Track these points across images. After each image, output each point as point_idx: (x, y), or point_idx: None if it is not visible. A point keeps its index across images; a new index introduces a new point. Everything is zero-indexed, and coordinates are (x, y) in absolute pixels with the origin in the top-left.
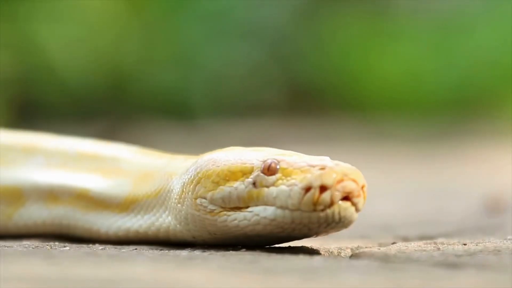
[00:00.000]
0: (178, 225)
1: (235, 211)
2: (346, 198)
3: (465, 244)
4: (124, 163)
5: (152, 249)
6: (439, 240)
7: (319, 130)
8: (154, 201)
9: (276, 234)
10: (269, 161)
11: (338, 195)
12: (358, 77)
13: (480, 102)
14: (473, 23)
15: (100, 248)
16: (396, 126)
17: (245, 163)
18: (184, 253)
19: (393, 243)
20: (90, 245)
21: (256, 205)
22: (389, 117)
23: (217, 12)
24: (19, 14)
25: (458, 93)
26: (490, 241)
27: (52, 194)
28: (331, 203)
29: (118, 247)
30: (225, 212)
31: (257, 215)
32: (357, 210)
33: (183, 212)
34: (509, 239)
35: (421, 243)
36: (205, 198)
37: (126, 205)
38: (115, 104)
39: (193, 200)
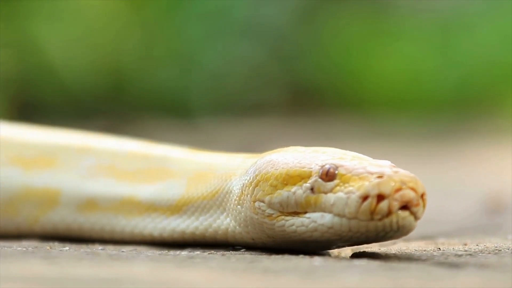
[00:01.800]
0: (237, 227)
1: (293, 216)
2: (405, 206)
3: (465, 244)
4: (177, 163)
5: (151, 249)
6: (440, 240)
7: (319, 129)
8: (211, 202)
9: (333, 241)
10: (327, 166)
11: (396, 204)
12: (358, 76)
13: (481, 101)
14: (473, 22)
15: (100, 248)
16: (396, 125)
17: (303, 167)
18: (184, 253)
19: (393, 243)
20: (90, 245)
21: (314, 211)
22: (389, 116)
23: (218, 11)
24: (18, 13)
25: (458, 92)
26: (490, 241)
27: (90, 202)
28: (389, 213)
29: (118, 247)
30: (283, 217)
31: (315, 221)
32: (416, 218)
33: (242, 214)
34: (509, 239)
35: (421, 243)
36: (263, 201)
37: (178, 207)
38: (114, 103)
39: (252, 203)
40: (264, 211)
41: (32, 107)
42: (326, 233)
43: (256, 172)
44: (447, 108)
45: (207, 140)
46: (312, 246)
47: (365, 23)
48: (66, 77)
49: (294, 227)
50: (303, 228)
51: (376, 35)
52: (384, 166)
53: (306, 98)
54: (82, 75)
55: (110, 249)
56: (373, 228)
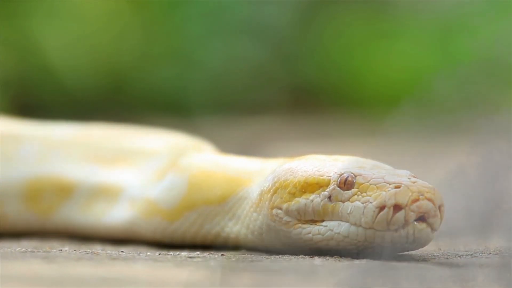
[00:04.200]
0: (249, 235)
1: (310, 224)
2: (422, 217)
3: (466, 244)
4: (191, 160)
5: (151, 249)
6: (440, 240)
7: (320, 129)
8: (218, 208)
9: (348, 250)
10: (345, 175)
11: (412, 215)
12: (359, 76)
13: (481, 101)
14: (473, 22)
15: (99, 248)
16: (397, 124)
17: (322, 175)
18: (184, 253)
19: None
20: (89, 245)
21: (331, 220)
22: (390, 115)
23: (218, 10)
24: (18, 12)
25: (458, 92)
26: (491, 241)
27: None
28: (405, 223)
29: (118, 247)
30: (300, 225)
31: (331, 230)
32: (433, 230)
33: (258, 221)
34: (510, 239)
35: None
36: (281, 209)
37: (179, 212)
38: (114, 103)
39: (269, 209)
40: (281, 218)
41: (31, 107)
42: (342, 242)
43: (275, 179)
44: (447, 108)
45: (208, 140)
46: (327, 254)
47: (366, 23)
48: (65, 77)
49: (310, 235)
50: (319, 236)
51: (376, 35)
52: (402, 176)
53: (307, 98)
54: (82, 75)
55: (110, 249)
56: (389, 238)
